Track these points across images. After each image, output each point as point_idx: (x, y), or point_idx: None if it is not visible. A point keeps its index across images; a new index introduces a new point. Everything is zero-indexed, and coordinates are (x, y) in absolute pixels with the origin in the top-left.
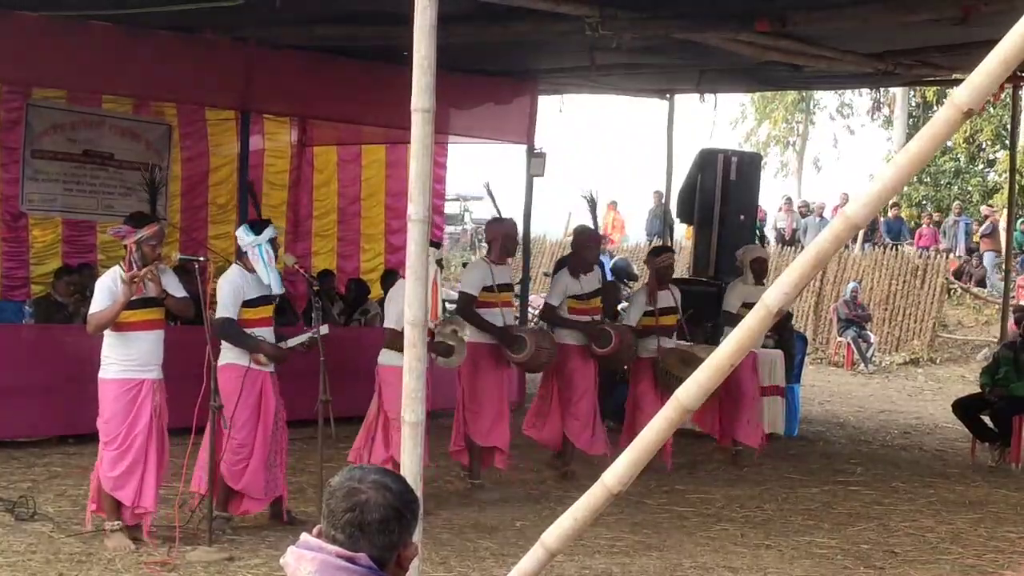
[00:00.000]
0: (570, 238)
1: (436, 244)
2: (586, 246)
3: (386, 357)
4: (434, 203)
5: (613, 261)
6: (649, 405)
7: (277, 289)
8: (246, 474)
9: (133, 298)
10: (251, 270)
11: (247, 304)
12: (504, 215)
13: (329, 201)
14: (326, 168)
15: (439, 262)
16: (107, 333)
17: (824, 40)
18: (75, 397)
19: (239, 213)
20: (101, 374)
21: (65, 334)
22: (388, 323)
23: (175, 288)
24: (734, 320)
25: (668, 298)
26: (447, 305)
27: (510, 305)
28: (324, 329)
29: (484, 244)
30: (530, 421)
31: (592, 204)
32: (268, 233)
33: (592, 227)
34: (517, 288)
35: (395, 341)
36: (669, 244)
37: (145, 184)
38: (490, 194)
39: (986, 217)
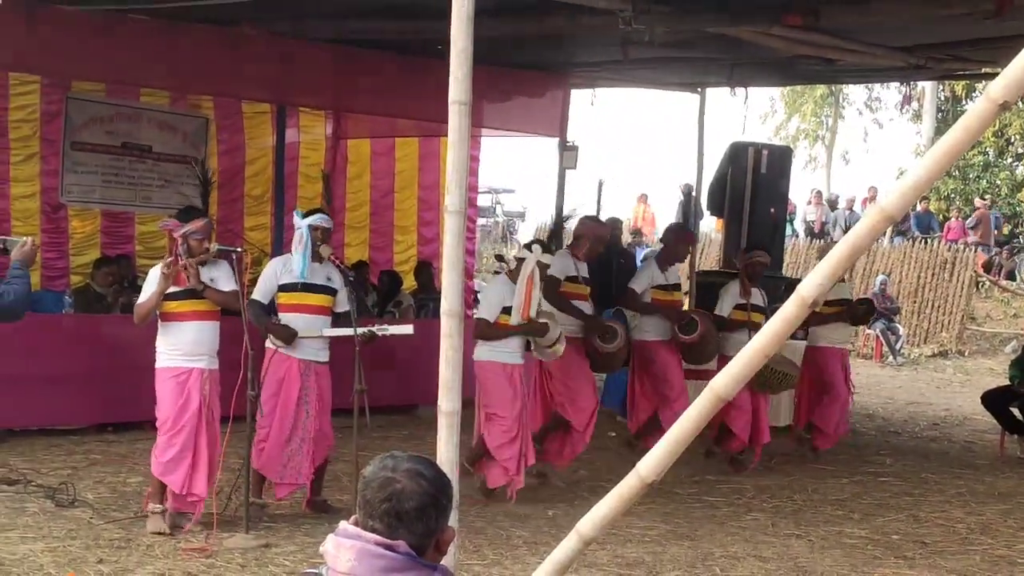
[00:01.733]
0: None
1: (541, 243)
2: (681, 241)
3: (479, 352)
4: (468, 195)
5: (644, 254)
6: (741, 401)
7: (299, 275)
8: (263, 454)
9: (178, 289)
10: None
11: (282, 288)
12: (603, 217)
13: (362, 193)
14: (360, 161)
15: (542, 266)
16: (159, 324)
17: (856, 34)
18: (114, 386)
19: (275, 204)
20: (157, 363)
21: (104, 324)
22: (479, 314)
23: (226, 281)
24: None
25: (757, 296)
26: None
27: (586, 300)
28: (406, 329)
29: (514, 237)
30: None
31: (599, 189)
32: (312, 219)
33: (617, 217)
34: None
35: (483, 329)
36: (692, 231)
37: (197, 178)
38: (599, 193)
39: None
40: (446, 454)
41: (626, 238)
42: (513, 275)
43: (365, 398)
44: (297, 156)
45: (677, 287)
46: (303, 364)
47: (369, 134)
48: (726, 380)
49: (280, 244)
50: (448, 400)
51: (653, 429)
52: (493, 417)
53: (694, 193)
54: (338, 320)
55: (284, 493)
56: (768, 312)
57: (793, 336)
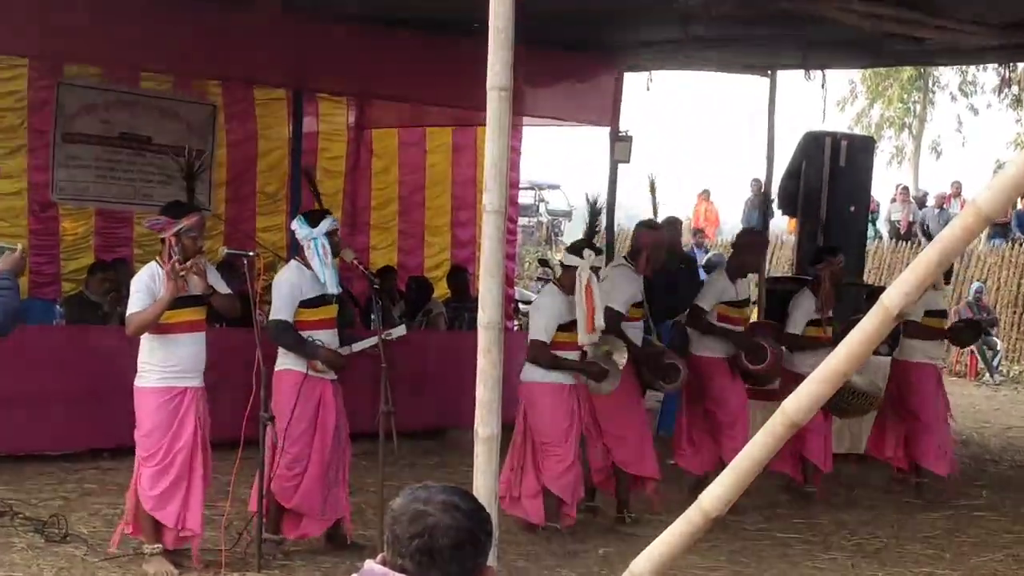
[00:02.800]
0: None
1: (595, 249)
2: (751, 247)
3: (530, 372)
4: (508, 192)
5: (707, 257)
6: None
7: (333, 288)
8: (299, 491)
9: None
10: (310, 267)
11: (305, 304)
12: (660, 218)
13: (389, 190)
14: (386, 153)
15: (595, 269)
16: (145, 337)
17: (948, 9)
18: (111, 405)
19: (291, 203)
20: (138, 382)
21: (99, 336)
22: (533, 334)
23: (219, 284)
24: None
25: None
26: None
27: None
28: (400, 331)
29: (560, 238)
30: (680, 448)
31: (652, 188)
32: (325, 225)
33: (676, 217)
34: None
35: (540, 354)
36: (767, 237)
37: (181, 168)
38: (652, 191)
39: None
40: (484, 484)
41: (686, 240)
42: (564, 284)
43: (392, 421)
44: (316, 148)
45: (747, 303)
46: (335, 387)
47: (397, 123)
48: (800, 402)
49: (296, 246)
50: (486, 424)
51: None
52: (547, 449)
53: (762, 189)
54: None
55: (321, 530)
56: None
57: (876, 351)
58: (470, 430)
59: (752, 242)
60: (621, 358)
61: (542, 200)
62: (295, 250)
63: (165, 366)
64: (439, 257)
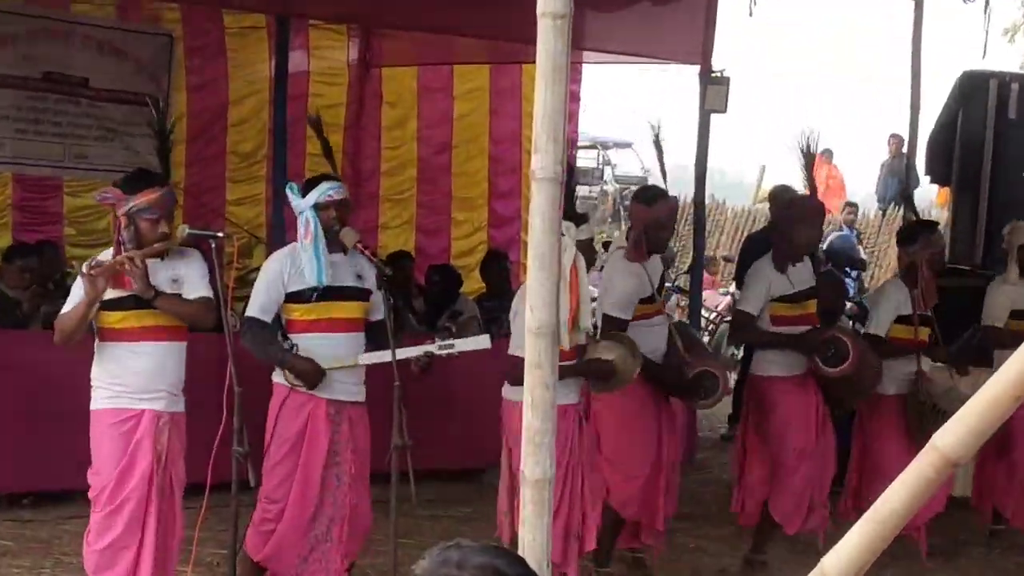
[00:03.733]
0: (763, 205)
1: (579, 217)
2: (801, 221)
3: (513, 390)
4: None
5: (828, 240)
6: (893, 459)
7: (313, 279)
8: (271, 541)
9: (122, 294)
10: None
11: (293, 298)
12: (664, 183)
13: (405, 149)
14: (401, 100)
15: (587, 243)
16: (97, 344)
17: None
18: (33, 438)
19: (273, 166)
20: (92, 403)
21: (18, 344)
22: (513, 347)
23: (198, 283)
24: (1002, 338)
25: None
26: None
27: (662, 312)
28: (480, 342)
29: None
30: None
31: (808, 157)
32: (315, 195)
33: (806, 190)
34: None
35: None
36: (917, 214)
37: (152, 124)
38: (657, 144)
39: None
40: (533, 541)
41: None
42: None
43: (408, 458)
44: (306, 93)
45: (811, 293)
46: (333, 407)
47: (414, 60)
48: (956, 436)
49: (281, 226)
50: (536, 462)
51: (767, 527)
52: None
53: (904, 149)
54: (373, 334)
55: None
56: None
57: (979, 361)
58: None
59: (804, 211)
60: (634, 362)
61: (608, 163)
62: (279, 232)
63: (114, 383)
64: (471, 240)
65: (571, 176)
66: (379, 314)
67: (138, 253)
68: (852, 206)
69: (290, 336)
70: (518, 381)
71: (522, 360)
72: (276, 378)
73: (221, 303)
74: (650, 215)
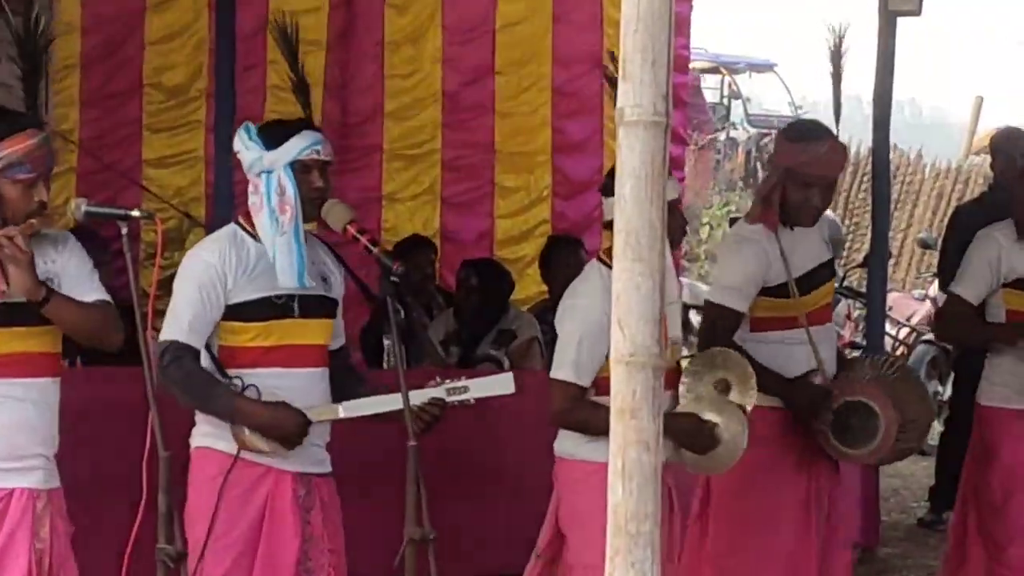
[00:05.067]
0: (982, 158)
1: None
2: None
3: (567, 443)
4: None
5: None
6: None
7: (291, 280)
8: None
9: None
10: (256, 236)
11: (235, 313)
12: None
13: (422, 78)
14: (414, 4)
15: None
16: None
17: None
18: None
19: (215, 106)
20: None
21: None
22: (558, 369)
23: (83, 281)
24: None
25: None
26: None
27: (828, 318)
28: (503, 385)
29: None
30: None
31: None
32: (295, 146)
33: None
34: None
35: (575, 410)
36: None
37: (14, 36)
38: (836, 59)
39: None
40: None
41: None
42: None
43: (431, 556)
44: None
45: None
46: (302, 484)
47: None
48: None
49: (228, 198)
50: (630, 563)
51: None
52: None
53: None
54: (338, 371)
55: None
56: None
57: None
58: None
59: None
60: (747, 397)
61: (737, 96)
62: (224, 206)
63: None
64: (527, 218)
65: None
66: (340, 338)
67: (16, 230)
68: None
69: (230, 372)
70: (571, 424)
71: (573, 390)
72: (201, 441)
73: (138, 318)
74: (798, 158)
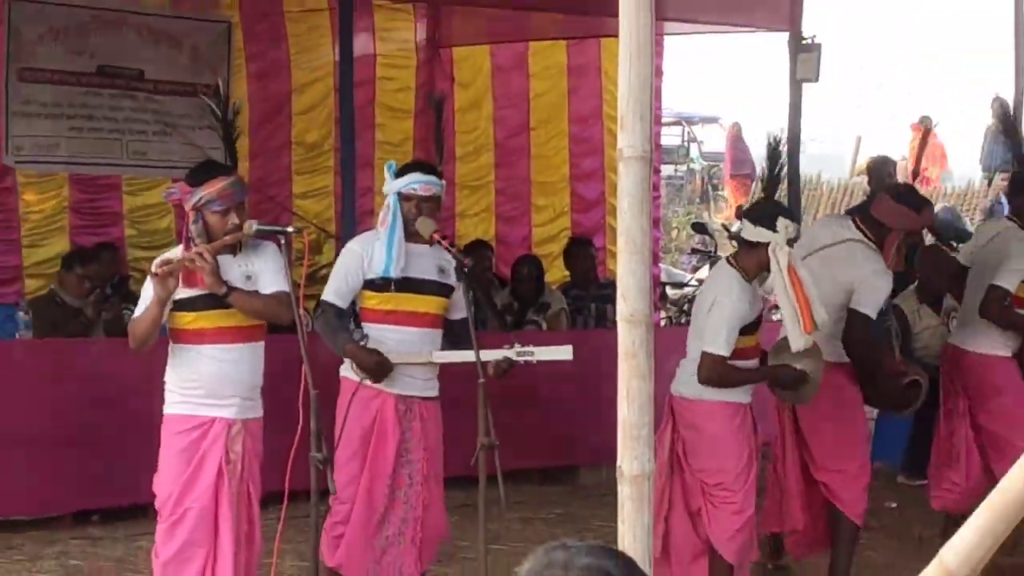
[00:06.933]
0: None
1: (791, 216)
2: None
3: (690, 388)
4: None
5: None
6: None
7: (381, 269)
8: (342, 545)
9: (193, 294)
10: None
11: (370, 286)
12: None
13: (480, 133)
14: (474, 81)
15: (790, 241)
16: (170, 347)
17: None
18: (101, 452)
19: (340, 156)
20: (164, 407)
21: (81, 353)
22: (712, 345)
23: (272, 278)
24: None
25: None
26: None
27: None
28: (563, 353)
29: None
30: (942, 483)
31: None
32: (404, 181)
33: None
34: None
35: (724, 375)
36: None
37: (214, 110)
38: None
39: None
40: (636, 541)
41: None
42: (746, 268)
43: (496, 458)
44: (373, 77)
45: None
46: (402, 403)
47: (487, 38)
48: None
49: (351, 219)
50: (634, 457)
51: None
52: (718, 495)
53: (1008, 112)
54: (453, 334)
55: None
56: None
57: None
58: (608, 467)
59: None
60: (817, 371)
61: (694, 140)
62: (349, 225)
63: (184, 387)
64: (554, 226)
65: (776, 169)
66: (460, 312)
67: (207, 247)
68: None
69: (363, 325)
70: (721, 382)
71: (721, 360)
72: (344, 371)
73: (293, 299)
74: (919, 222)
